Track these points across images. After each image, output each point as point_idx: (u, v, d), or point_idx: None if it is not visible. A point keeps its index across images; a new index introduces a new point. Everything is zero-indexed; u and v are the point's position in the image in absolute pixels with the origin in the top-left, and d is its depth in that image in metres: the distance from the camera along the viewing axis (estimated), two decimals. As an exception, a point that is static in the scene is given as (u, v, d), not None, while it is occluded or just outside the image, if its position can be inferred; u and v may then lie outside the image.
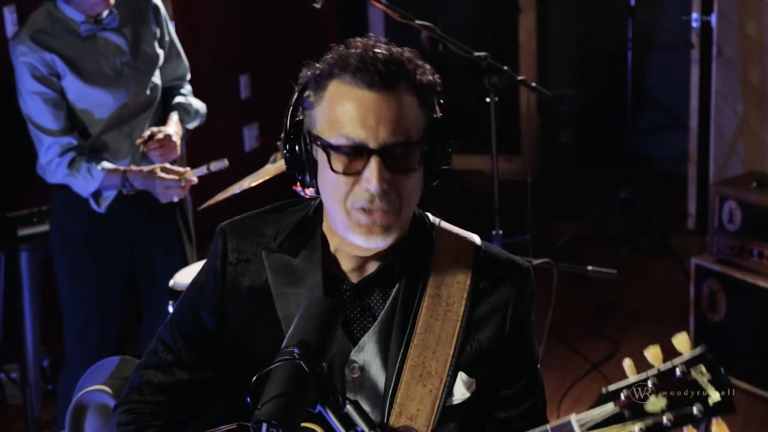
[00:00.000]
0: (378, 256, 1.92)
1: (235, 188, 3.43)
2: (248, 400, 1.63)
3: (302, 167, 1.90)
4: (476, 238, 2.02)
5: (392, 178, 1.80)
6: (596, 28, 7.48)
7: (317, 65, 1.87)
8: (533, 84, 3.72)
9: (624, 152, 6.51)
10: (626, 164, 6.43)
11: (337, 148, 1.80)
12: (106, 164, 3.51)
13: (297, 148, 1.88)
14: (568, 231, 6.15)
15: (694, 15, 6.08)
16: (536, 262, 3.42)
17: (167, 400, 2.03)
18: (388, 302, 1.94)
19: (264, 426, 1.57)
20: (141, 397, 2.04)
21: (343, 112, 1.80)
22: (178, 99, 3.78)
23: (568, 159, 7.72)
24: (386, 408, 1.90)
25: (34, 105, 3.45)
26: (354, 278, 1.94)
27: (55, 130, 3.46)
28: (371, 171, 1.79)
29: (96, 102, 3.51)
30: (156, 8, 3.68)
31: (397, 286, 1.94)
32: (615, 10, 6.87)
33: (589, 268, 3.51)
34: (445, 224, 2.03)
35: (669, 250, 5.96)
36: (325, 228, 1.96)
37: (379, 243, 1.84)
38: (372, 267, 1.93)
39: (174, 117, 3.71)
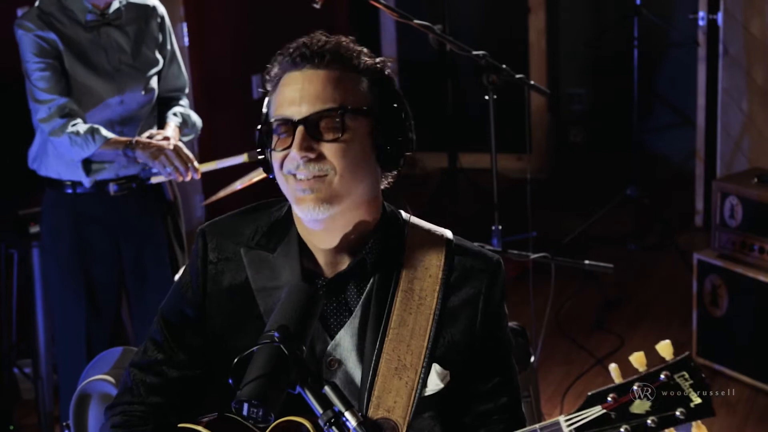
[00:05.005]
0: (351, 251, 1.97)
1: (237, 184, 3.49)
2: (230, 381, 1.69)
3: (267, 163, 2.00)
4: (448, 233, 2.07)
5: (319, 145, 1.88)
6: (604, 27, 7.50)
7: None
8: (531, 82, 3.74)
9: (633, 150, 6.54)
10: (635, 162, 6.46)
11: (274, 128, 1.93)
12: (111, 134, 3.51)
13: (264, 143, 1.99)
14: (577, 228, 6.20)
15: (701, 13, 6.11)
16: (534, 256, 3.45)
17: (159, 401, 2.06)
18: (363, 297, 1.98)
19: (245, 405, 1.65)
20: (133, 398, 2.07)
21: (281, 95, 1.94)
22: (177, 109, 3.80)
23: (577, 157, 7.76)
24: (364, 401, 1.94)
25: (37, 70, 3.46)
26: (329, 273, 1.99)
27: (56, 89, 3.46)
28: (294, 140, 1.88)
29: (90, 91, 3.53)
30: (162, 18, 3.74)
31: (371, 281, 1.98)
32: (622, 9, 6.89)
33: (586, 262, 3.54)
34: (416, 220, 2.08)
35: (675, 247, 6.00)
36: (299, 226, 2.01)
37: (316, 213, 1.89)
38: (345, 262, 1.98)
39: (172, 123, 3.73)
